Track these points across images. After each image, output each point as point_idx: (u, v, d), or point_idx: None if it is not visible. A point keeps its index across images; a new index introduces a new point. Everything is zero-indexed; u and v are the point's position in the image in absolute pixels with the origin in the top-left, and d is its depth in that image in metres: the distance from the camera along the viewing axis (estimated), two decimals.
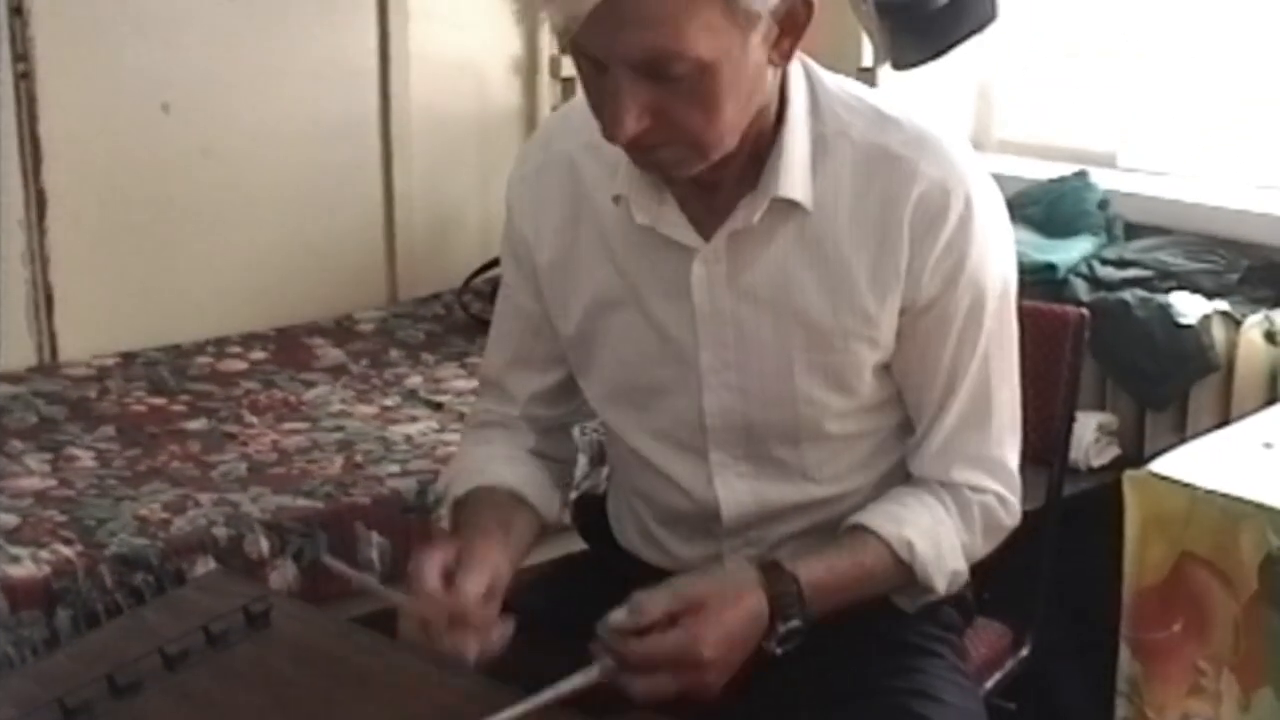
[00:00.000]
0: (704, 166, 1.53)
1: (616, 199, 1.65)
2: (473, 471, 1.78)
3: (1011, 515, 1.74)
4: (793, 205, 1.59)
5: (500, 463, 1.79)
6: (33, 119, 3.14)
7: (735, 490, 1.73)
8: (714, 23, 1.41)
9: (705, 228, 1.62)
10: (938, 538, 1.67)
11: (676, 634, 1.47)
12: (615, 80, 1.44)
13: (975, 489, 1.70)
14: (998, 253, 1.66)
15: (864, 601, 1.66)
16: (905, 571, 1.66)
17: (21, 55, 3.11)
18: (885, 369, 1.68)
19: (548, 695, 1.45)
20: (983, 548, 1.73)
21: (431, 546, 1.58)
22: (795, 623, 1.56)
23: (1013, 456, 1.74)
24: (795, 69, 1.60)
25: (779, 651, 1.56)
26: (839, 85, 1.65)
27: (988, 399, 1.69)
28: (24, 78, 3.12)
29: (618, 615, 1.48)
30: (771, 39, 1.49)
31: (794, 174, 1.58)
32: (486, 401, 1.89)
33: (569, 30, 1.42)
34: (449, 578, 1.53)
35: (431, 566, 1.53)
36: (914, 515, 1.67)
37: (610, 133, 1.48)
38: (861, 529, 1.66)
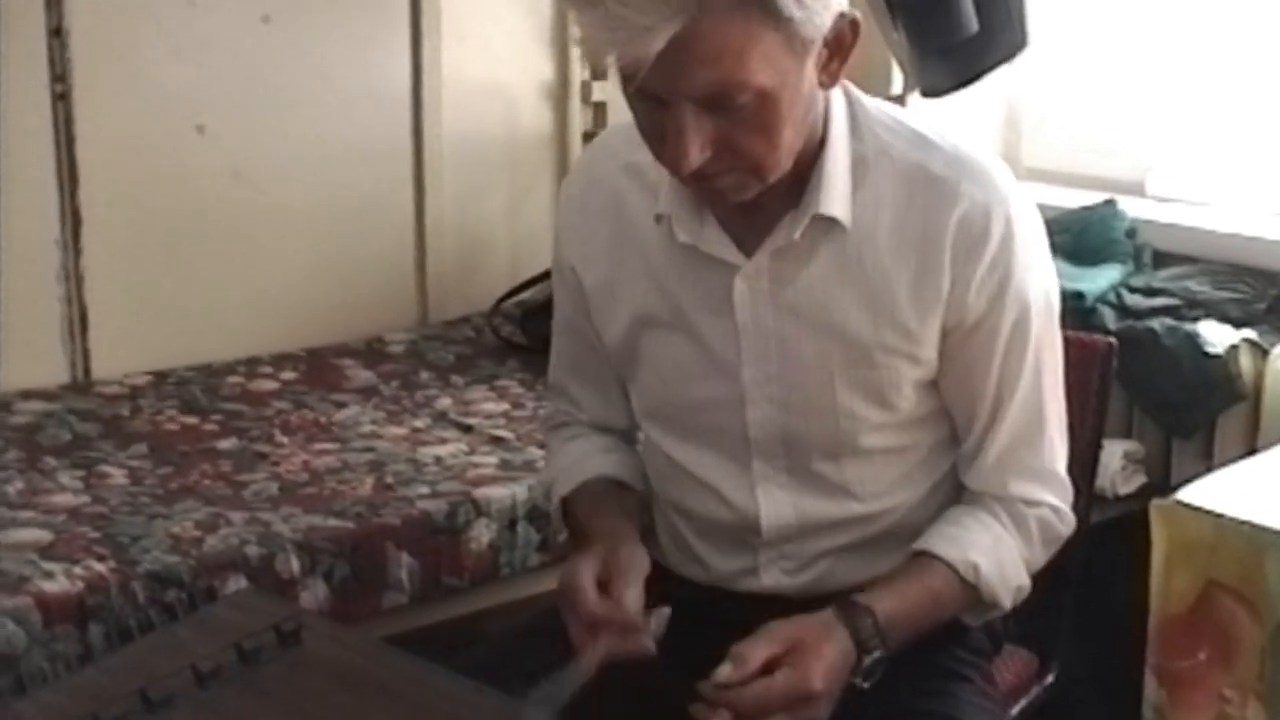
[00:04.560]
0: (760, 190, 1.55)
1: (659, 218, 1.68)
2: (574, 469, 1.84)
3: (1066, 524, 1.77)
4: (833, 223, 1.62)
5: (597, 455, 1.85)
6: (70, 139, 3.17)
7: (777, 501, 1.75)
8: (773, 52, 1.44)
9: (747, 245, 1.65)
10: (1000, 556, 1.70)
11: (785, 673, 1.50)
12: (679, 115, 1.46)
13: (1030, 503, 1.73)
14: (1040, 268, 1.69)
15: (936, 626, 1.69)
16: (972, 592, 1.69)
17: (60, 76, 3.14)
18: (926, 385, 1.70)
19: None
20: (1042, 558, 1.76)
21: (577, 558, 1.63)
22: (878, 654, 1.58)
23: (1063, 465, 1.77)
24: (835, 91, 1.62)
25: (865, 686, 1.58)
26: (878, 107, 1.68)
27: (1039, 412, 1.72)
28: (62, 98, 3.16)
29: (723, 671, 1.50)
30: (821, 62, 1.52)
31: (835, 192, 1.61)
32: (558, 404, 1.95)
33: (635, 74, 1.43)
34: (603, 586, 1.58)
35: (586, 581, 1.58)
36: (974, 536, 1.69)
37: (675, 166, 1.50)
38: (925, 555, 1.69)
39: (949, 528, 1.71)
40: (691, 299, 1.70)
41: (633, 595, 1.58)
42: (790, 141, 1.53)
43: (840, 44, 1.52)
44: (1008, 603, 1.72)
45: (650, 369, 1.76)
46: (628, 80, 1.47)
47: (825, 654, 1.53)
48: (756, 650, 1.51)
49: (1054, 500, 1.75)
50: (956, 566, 1.67)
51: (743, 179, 1.54)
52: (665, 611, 1.58)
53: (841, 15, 1.50)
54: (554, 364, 1.94)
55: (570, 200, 1.82)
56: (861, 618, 1.58)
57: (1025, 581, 1.73)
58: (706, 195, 1.61)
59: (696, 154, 1.48)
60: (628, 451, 1.89)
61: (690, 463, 1.78)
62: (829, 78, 1.55)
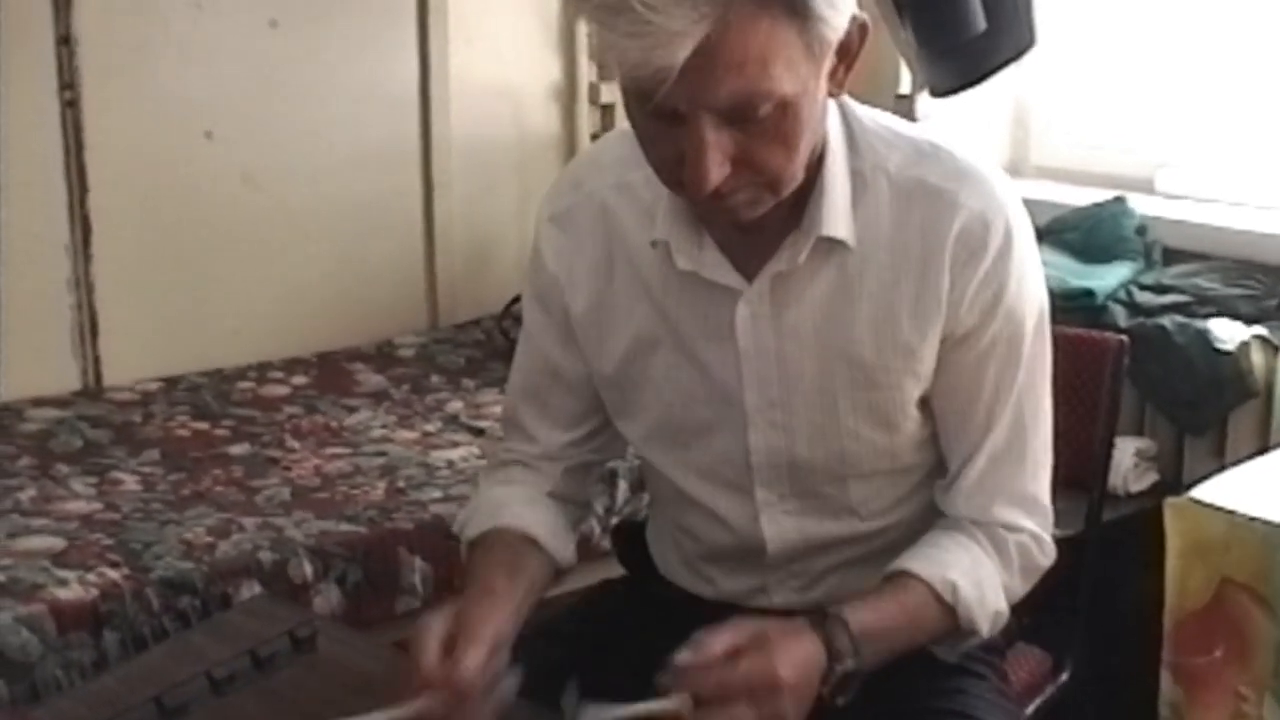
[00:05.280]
0: (772, 205, 1.51)
1: (654, 244, 1.64)
2: (487, 513, 1.75)
3: (1047, 555, 1.72)
4: (835, 243, 1.58)
5: (517, 504, 1.75)
6: (79, 146, 3.18)
7: (781, 527, 1.72)
8: (795, 57, 1.40)
9: (747, 269, 1.61)
10: (979, 578, 1.64)
11: (751, 658, 1.44)
12: (698, 130, 1.41)
13: (1011, 528, 1.68)
14: (1033, 283, 1.65)
15: (911, 649, 1.63)
16: (949, 614, 1.63)
17: (68, 83, 3.15)
18: (927, 404, 1.67)
19: (621, 712, 1.43)
20: (1020, 588, 1.71)
21: (428, 619, 1.53)
22: (850, 664, 1.52)
23: (1046, 491, 1.72)
24: (829, 104, 1.58)
25: (840, 702, 1.53)
26: (873, 119, 1.64)
27: (1023, 433, 1.67)
28: (70, 105, 3.16)
29: (684, 655, 1.44)
30: (829, 69, 1.48)
31: (836, 211, 1.57)
32: (508, 441, 1.86)
33: (657, 87, 1.37)
34: (450, 646, 1.49)
35: (428, 636, 1.49)
36: (954, 557, 1.64)
37: (695, 187, 1.44)
38: (903, 574, 1.64)
39: (927, 549, 1.66)
40: (691, 324, 1.66)
41: (472, 658, 1.47)
42: (805, 152, 1.49)
43: (848, 50, 1.48)
44: (985, 629, 1.66)
45: (651, 392, 1.71)
46: (645, 98, 1.41)
47: (792, 649, 1.48)
48: (719, 637, 1.45)
49: (1034, 528, 1.70)
50: (934, 585, 1.62)
51: (757, 195, 1.49)
52: (516, 677, 1.51)
53: (853, 18, 1.46)
54: (510, 393, 1.86)
55: (555, 218, 1.74)
56: (833, 625, 1.53)
57: (1004, 607, 1.68)
58: (715, 216, 1.56)
59: (717, 171, 1.43)
60: (553, 507, 1.78)
61: (692, 490, 1.75)
62: (836, 86, 1.51)
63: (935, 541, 1.68)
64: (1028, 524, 1.69)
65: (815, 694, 1.50)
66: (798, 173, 1.50)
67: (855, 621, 1.54)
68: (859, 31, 1.48)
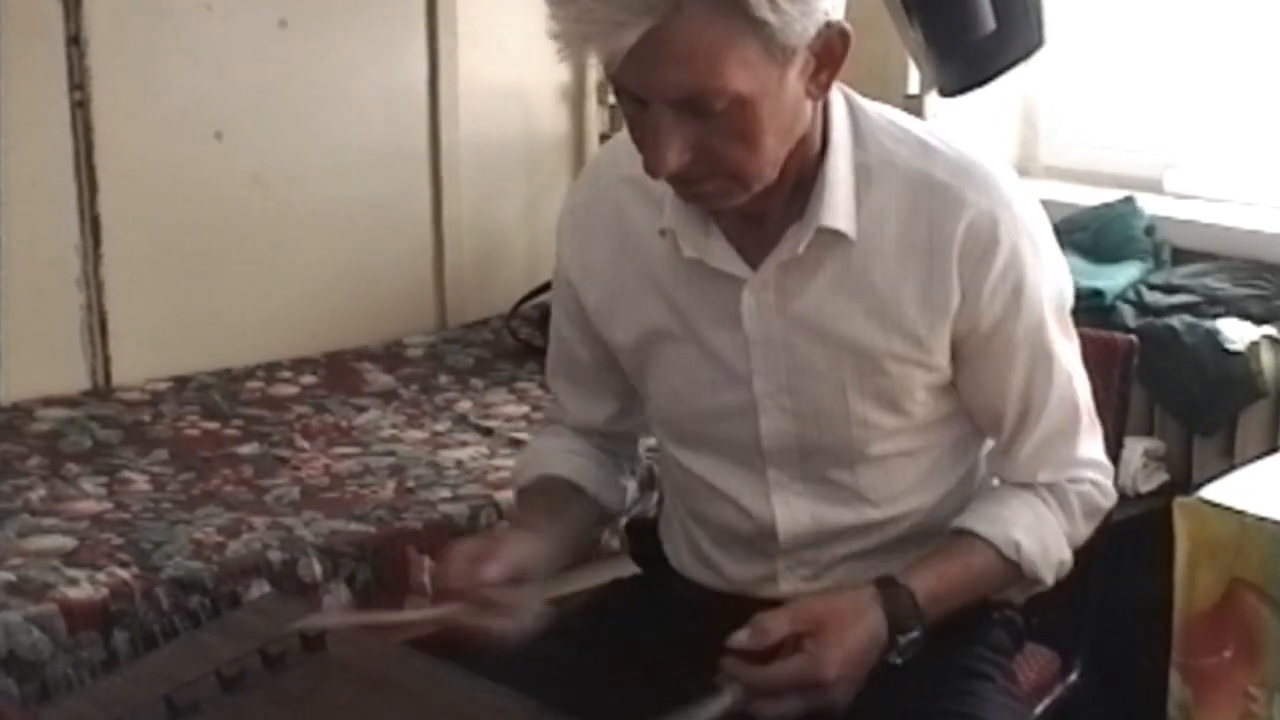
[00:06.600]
0: (746, 197, 1.55)
1: (663, 233, 1.67)
2: (535, 463, 1.87)
3: (1108, 497, 1.79)
4: (838, 234, 1.61)
5: (561, 455, 1.86)
6: (89, 147, 3.18)
7: (793, 508, 1.74)
8: (751, 58, 1.43)
9: (753, 258, 1.64)
10: (1041, 533, 1.71)
11: (799, 658, 1.51)
12: (656, 116, 1.46)
13: (1072, 480, 1.74)
14: (1050, 267, 1.68)
15: (975, 601, 1.71)
16: (1013, 570, 1.70)
17: (78, 84, 3.15)
18: (939, 389, 1.70)
19: None
20: (1084, 533, 1.77)
21: (461, 540, 1.67)
22: (914, 634, 1.60)
23: (1098, 448, 1.78)
24: (836, 99, 1.62)
25: (899, 662, 1.59)
26: (881, 114, 1.66)
27: (1070, 408, 1.73)
28: (80, 106, 3.17)
29: (740, 636, 1.51)
30: (809, 72, 1.51)
31: (838, 204, 1.60)
32: (555, 405, 1.96)
33: (609, 66, 1.44)
34: (476, 564, 1.58)
35: (456, 555, 1.60)
36: (1015, 514, 1.70)
37: (652, 167, 1.50)
38: (966, 533, 1.69)
39: (989, 506, 1.73)
40: (699, 312, 1.70)
41: (493, 572, 1.57)
42: (773, 150, 1.52)
43: (830, 54, 1.50)
44: (1050, 579, 1.73)
45: (661, 381, 1.76)
46: (606, 70, 1.47)
47: (847, 640, 1.54)
48: (778, 624, 1.53)
49: (1094, 475, 1.77)
50: (998, 544, 1.68)
51: (725, 186, 1.53)
52: (540, 603, 1.60)
53: (829, 25, 1.48)
54: (549, 367, 1.95)
55: (572, 213, 1.80)
56: (901, 597, 1.59)
57: (1067, 556, 1.75)
58: (692, 200, 1.60)
59: (673, 157, 1.47)
60: (594, 457, 1.88)
61: (705, 472, 1.78)
62: (817, 88, 1.53)
63: (997, 499, 1.74)
64: (1087, 474, 1.76)
65: (871, 668, 1.57)
66: (763, 168, 1.53)
67: (921, 589, 1.61)
68: (839, 38, 1.50)
